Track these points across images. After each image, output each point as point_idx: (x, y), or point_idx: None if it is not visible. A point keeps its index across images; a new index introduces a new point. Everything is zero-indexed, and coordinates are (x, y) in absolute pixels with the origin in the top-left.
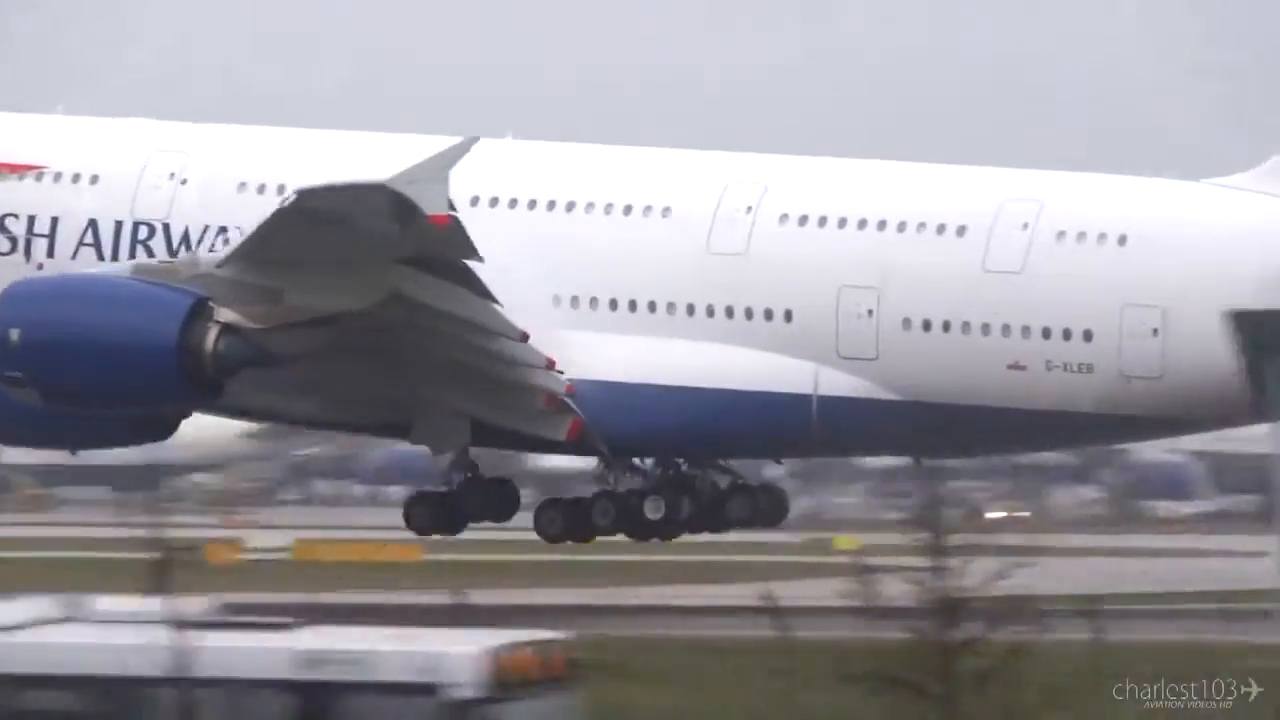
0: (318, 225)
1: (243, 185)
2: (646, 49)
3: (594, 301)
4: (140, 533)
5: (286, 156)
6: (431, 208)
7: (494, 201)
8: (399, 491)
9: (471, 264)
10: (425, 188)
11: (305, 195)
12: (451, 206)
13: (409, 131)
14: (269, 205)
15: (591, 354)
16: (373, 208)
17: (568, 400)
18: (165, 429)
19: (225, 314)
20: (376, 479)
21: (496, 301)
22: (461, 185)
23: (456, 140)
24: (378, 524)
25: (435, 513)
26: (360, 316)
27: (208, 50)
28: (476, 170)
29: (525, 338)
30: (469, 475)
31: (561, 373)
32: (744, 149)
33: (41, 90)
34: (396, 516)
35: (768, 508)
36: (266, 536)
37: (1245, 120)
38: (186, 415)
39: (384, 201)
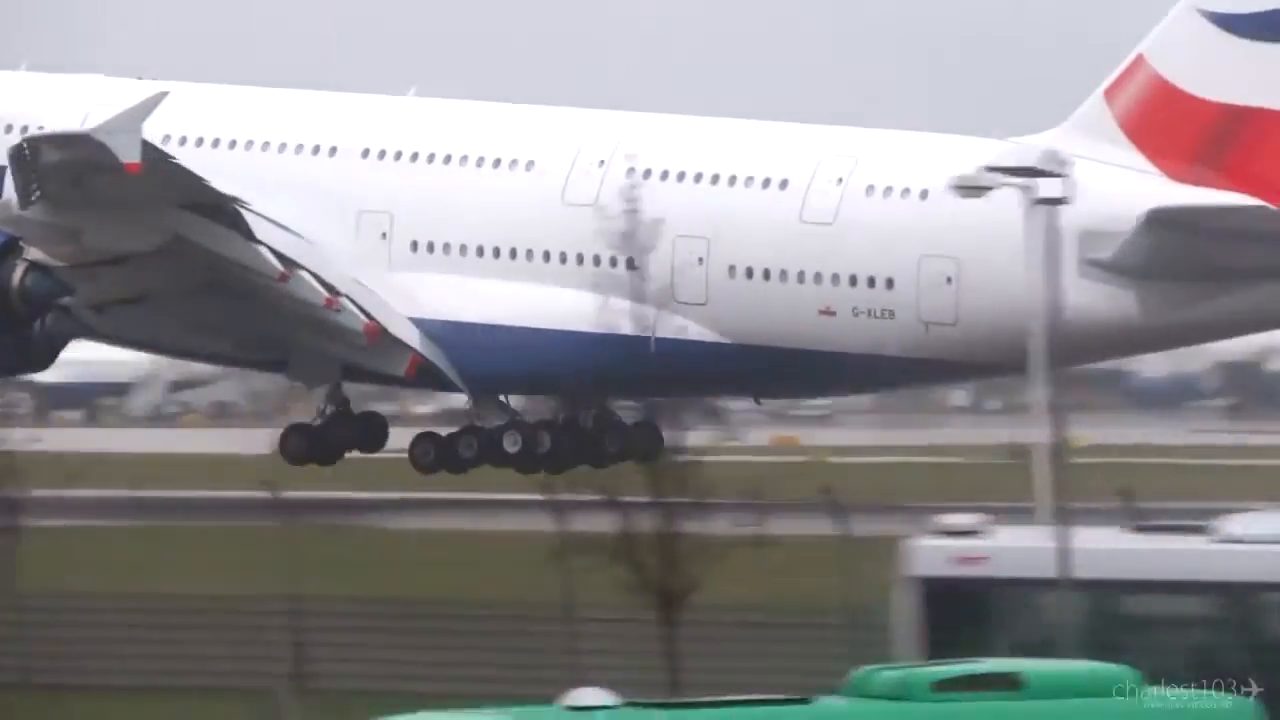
0: (55, 171)
1: (9, 128)
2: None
3: (447, 247)
4: None
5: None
6: (126, 156)
7: (382, 154)
8: None
9: (316, 210)
10: (120, 138)
11: (23, 143)
12: (159, 155)
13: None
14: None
15: (443, 296)
16: (84, 155)
17: (403, 339)
18: (39, 359)
19: (34, 253)
20: None
21: (260, 243)
22: (362, 139)
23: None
24: None
25: (308, 443)
26: (150, 257)
27: None
28: (376, 126)
29: (284, 278)
30: (338, 409)
31: (364, 312)
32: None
33: None
34: None
35: (642, 442)
36: None
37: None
38: (60, 346)
39: (92, 149)
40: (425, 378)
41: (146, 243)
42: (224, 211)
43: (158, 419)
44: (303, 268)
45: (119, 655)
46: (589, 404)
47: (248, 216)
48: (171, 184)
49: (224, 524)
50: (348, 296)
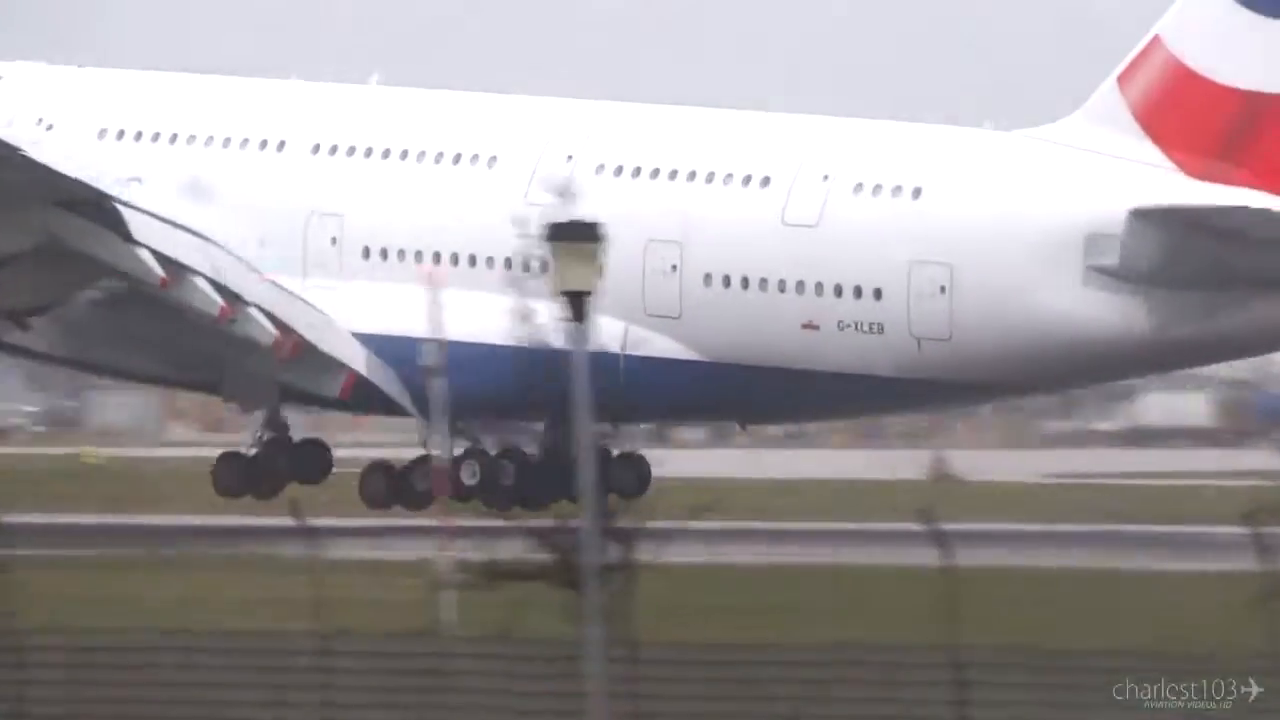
0: None
1: None
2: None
3: (402, 253)
4: None
5: None
6: None
7: (334, 149)
8: None
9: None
10: None
11: None
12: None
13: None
14: None
15: (395, 308)
16: None
17: (336, 355)
18: None
19: None
20: None
21: (140, 244)
22: (314, 133)
23: None
24: None
25: (241, 474)
26: (28, 259)
27: None
28: (330, 118)
29: (165, 283)
30: (274, 436)
31: (279, 324)
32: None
33: None
34: None
35: (625, 477)
36: None
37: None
38: None
39: None
40: (365, 400)
41: (18, 243)
42: (104, 210)
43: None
44: (197, 273)
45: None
46: (562, 430)
47: (132, 215)
48: (37, 180)
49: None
50: (258, 306)
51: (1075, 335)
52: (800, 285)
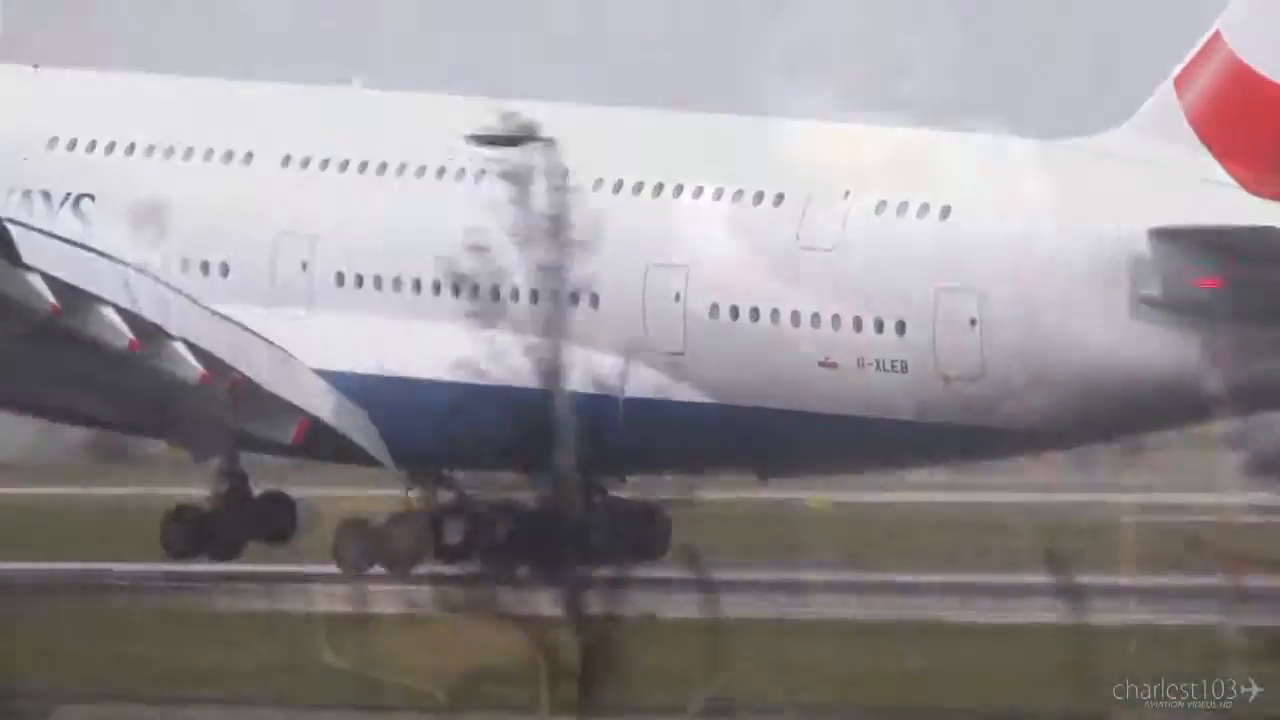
0: None
1: None
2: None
3: (379, 280)
4: None
5: None
6: None
7: (306, 162)
8: None
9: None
10: None
11: None
12: None
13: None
14: None
15: (367, 341)
16: None
17: (285, 396)
18: None
19: None
20: None
21: (34, 270)
22: (285, 143)
23: None
24: None
25: (192, 532)
26: None
27: None
28: (305, 126)
29: (57, 312)
30: (230, 488)
31: (205, 362)
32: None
33: None
34: None
35: (640, 537)
36: None
37: None
38: None
39: None
40: (323, 446)
41: None
42: None
43: None
44: (104, 302)
45: None
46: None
47: (28, 239)
48: None
49: None
50: (184, 340)
51: (1122, 375)
52: (816, 318)
